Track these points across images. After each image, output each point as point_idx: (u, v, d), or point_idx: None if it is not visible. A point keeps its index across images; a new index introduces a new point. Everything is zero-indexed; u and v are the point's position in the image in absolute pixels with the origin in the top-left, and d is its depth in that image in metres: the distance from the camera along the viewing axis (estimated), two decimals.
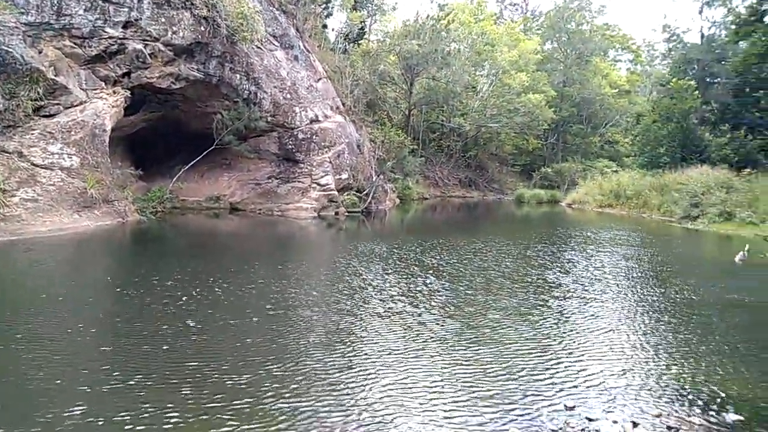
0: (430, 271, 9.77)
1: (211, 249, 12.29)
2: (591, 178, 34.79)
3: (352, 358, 5.34)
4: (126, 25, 14.57)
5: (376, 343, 5.86)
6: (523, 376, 5.04)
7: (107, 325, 6.12)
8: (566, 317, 7.27)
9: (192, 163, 18.12)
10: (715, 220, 20.62)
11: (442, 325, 6.53)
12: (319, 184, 19.79)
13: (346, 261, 10.58)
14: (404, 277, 9.29)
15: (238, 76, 17.98)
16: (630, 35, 56.72)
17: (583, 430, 3.97)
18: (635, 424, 4.05)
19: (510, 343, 6.03)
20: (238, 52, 17.63)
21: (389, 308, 7.24)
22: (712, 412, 4.36)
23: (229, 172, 19.83)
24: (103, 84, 14.47)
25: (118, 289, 7.53)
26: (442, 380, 4.89)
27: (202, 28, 16.19)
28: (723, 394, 4.74)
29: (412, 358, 5.42)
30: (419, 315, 6.93)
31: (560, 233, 17.89)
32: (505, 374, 5.08)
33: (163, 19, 15.34)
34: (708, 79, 36.39)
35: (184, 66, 16.41)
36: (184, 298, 7.07)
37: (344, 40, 31.57)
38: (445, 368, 5.19)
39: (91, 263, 9.77)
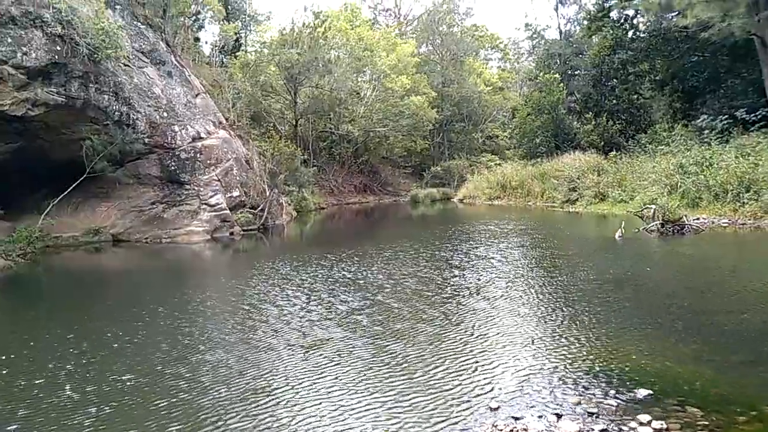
0: (343, 287, 9.48)
1: (97, 290, 11.12)
2: (478, 173, 36.54)
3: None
4: None
5: (303, 381, 5.47)
6: (442, 382, 5.00)
7: None
8: (475, 314, 7.41)
9: (62, 195, 16.40)
10: (592, 202, 22.45)
11: (371, 350, 6.25)
12: (209, 205, 18.78)
13: (249, 286, 10.05)
14: (316, 297, 8.85)
15: (105, 97, 16.58)
16: (497, 34, 60.27)
17: (511, 430, 3.96)
18: (559, 416, 4.12)
19: (428, 349, 6.00)
20: (102, 71, 16.26)
21: (311, 335, 6.75)
22: (623, 390, 4.57)
23: (107, 201, 18.21)
24: None
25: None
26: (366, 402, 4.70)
27: (58, 48, 14.74)
28: (630, 371, 5.00)
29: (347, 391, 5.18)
30: (343, 340, 6.51)
31: (458, 229, 18.48)
32: (427, 382, 5.01)
33: (9, 40, 13.78)
34: (570, 72, 39.72)
35: (41, 90, 14.81)
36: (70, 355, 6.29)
37: (220, 52, 30.49)
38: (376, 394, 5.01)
39: None
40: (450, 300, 8.29)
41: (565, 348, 5.78)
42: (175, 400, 4.86)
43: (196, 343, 6.62)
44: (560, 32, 44.03)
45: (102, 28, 15.58)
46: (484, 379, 5.05)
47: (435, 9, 51.52)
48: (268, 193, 22.18)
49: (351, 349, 6.10)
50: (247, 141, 24.31)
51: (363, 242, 16.36)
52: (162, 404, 4.76)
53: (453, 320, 7.15)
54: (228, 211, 19.25)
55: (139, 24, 19.69)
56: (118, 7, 18.76)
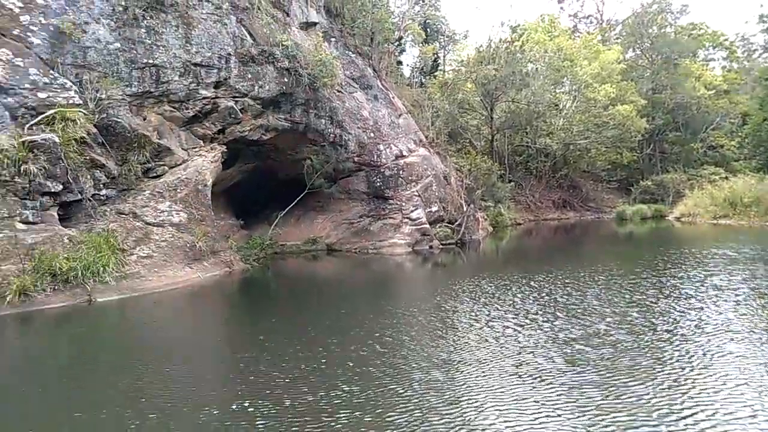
0: (557, 311, 8.71)
1: (317, 293, 12.25)
2: (699, 188, 32.22)
3: None
4: (217, 85, 15.35)
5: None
6: None
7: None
8: (723, 357, 6.33)
9: (288, 208, 18.61)
10: None
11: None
12: (410, 219, 19.59)
13: (456, 302, 9.90)
14: (528, 320, 8.21)
15: (322, 121, 18.40)
16: (720, 31, 53.02)
17: None
18: None
19: (678, 397, 5.27)
20: (320, 98, 18.07)
21: (529, 363, 6.20)
22: None
23: (322, 214, 20.18)
24: (201, 142, 15.26)
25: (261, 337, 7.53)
26: None
27: (285, 80, 16.75)
28: None
29: None
30: (567, 372, 5.86)
31: (682, 253, 16.25)
32: None
33: (249, 76, 16.03)
34: None
35: (272, 117, 17.01)
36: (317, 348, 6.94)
37: (419, 73, 31.81)
38: None
39: (218, 313, 10.05)
40: (691, 338, 7.14)
41: None
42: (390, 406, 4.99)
43: (413, 359, 6.71)
44: None
45: (320, 60, 17.35)
46: None
47: (644, 10, 47.23)
48: (465, 208, 22.34)
49: (579, 386, 5.46)
50: (445, 157, 24.84)
51: (568, 262, 15.33)
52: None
53: (696, 362, 6.12)
54: (428, 225, 19.83)
55: (350, 53, 21.51)
56: (332, 39, 20.77)
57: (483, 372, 5.93)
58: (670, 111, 43.67)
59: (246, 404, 5.04)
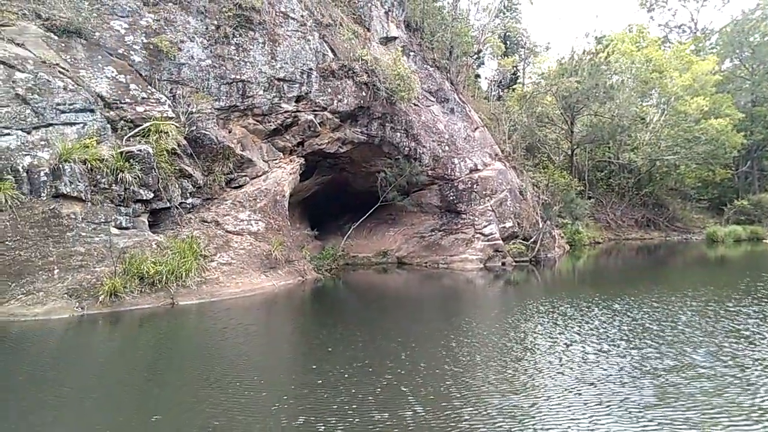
0: (644, 338, 8.23)
1: (383, 307, 12.32)
2: None
3: None
4: (298, 99, 15.92)
5: None
6: None
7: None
8: None
9: (360, 220, 18.91)
10: None
11: None
12: (483, 234, 19.30)
13: (535, 325, 9.58)
14: (613, 346, 7.74)
15: (398, 134, 18.59)
16: None
17: None
18: None
19: None
20: (396, 111, 18.28)
21: (616, 393, 5.89)
22: None
23: (394, 227, 20.32)
24: (281, 154, 15.87)
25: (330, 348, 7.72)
26: None
27: (364, 94, 17.10)
28: None
29: None
30: (662, 406, 5.45)
31: None
32: None
33: (329, 90, 16.50)
34: None
35: (349, 130, 17.39)
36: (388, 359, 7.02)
37: (497, 86, 31.40)
38: None
39: (287, 322, 10.37)
40: None
41: None
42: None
43: (490, 381, 6.64)
44: None
45: (398, 74, 17.56)
46: None
47: (745, 17, 44.20)
48: (540, 225, 21.74)
49: (671, 423, 5.10)
50: (522, 172, 24.35)
51: (653, 285, 14.49)
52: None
53: None
54: (501, 241, 19.45)
55: (428, 66, 21.62)
56: (411, 53, 20.97)
57: (566, 401, 5.66)
58: None
59: (312, 419, 5.15)
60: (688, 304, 11.06)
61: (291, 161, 15.82)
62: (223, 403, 5.53)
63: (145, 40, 12.97)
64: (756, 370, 6.66)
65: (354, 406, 5.43)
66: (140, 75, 12.76)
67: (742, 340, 8.10)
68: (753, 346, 7.76)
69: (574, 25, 79.77)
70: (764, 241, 30.55)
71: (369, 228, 19.97)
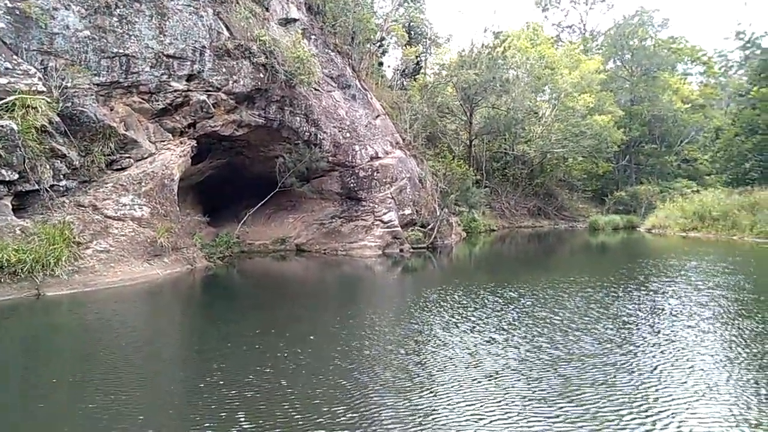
0: (538, 328, 8.23)
1: (280, 294, 12.02)
2: (670, 200, 32.84)
3: None
4: (189, 78, 15.05)
5: None
6: None
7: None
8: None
9: (257, 206, 18.36)
10: None
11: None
12: (382, 221, 19.49)
13: (431, 317, 9.31)
14: (508, 336, 7.68)
15: (298, 118, 18.20)
16: (699, 46, 54.09)
17: None
18: None
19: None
20: (296, 95, 17.88)
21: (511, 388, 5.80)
22: None
23: (293, 213, 19.96)
24: (170, 135, 14.95)
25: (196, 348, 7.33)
26: None
27: (261, 75, 16.52)
28: None
29: None
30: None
31: (653, 265, 16.34)
32: None
33: (224, 70, 15.76)
34: None
35: (245, 113, 16.76)
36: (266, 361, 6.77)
37: (401, 75, 31.75)
38: None
39: (170, 312, 9.78)
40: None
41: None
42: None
43: (380, 376, 6.62)
44: None
45: (298, 56, 17.13)
46: None
47: (625, 22, 47.95)
48: (438, 213, 22.33)
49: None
50: (422, 161, 24.82)
51: (542, 273, 15.26)
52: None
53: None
54: (399, 229, 19.76)
55: (330, 51, 21.33)
56: (312, 36, 20.56)
57: (465, 397, 5.52)
58: (646, 123, 44.45)
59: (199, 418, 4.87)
60: (570, 291, 11.55)
61: (181, 143, 14.97)
62: (76, 410, 5.08)
63: (9, 5, 11.64)
64: (640, 354, 7.14)
65: (222, 415, 4.92)
66: (3, 43, 11.43)
67: (629, 325, 8.52)
68: (635, 329, 8.20)
69: (474, 20, 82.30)
70: (638, 229, 33.51)
71: (267, 215, 19.46)
